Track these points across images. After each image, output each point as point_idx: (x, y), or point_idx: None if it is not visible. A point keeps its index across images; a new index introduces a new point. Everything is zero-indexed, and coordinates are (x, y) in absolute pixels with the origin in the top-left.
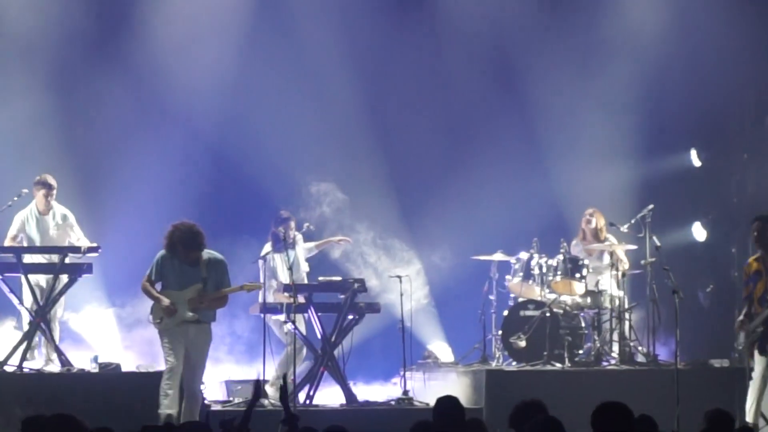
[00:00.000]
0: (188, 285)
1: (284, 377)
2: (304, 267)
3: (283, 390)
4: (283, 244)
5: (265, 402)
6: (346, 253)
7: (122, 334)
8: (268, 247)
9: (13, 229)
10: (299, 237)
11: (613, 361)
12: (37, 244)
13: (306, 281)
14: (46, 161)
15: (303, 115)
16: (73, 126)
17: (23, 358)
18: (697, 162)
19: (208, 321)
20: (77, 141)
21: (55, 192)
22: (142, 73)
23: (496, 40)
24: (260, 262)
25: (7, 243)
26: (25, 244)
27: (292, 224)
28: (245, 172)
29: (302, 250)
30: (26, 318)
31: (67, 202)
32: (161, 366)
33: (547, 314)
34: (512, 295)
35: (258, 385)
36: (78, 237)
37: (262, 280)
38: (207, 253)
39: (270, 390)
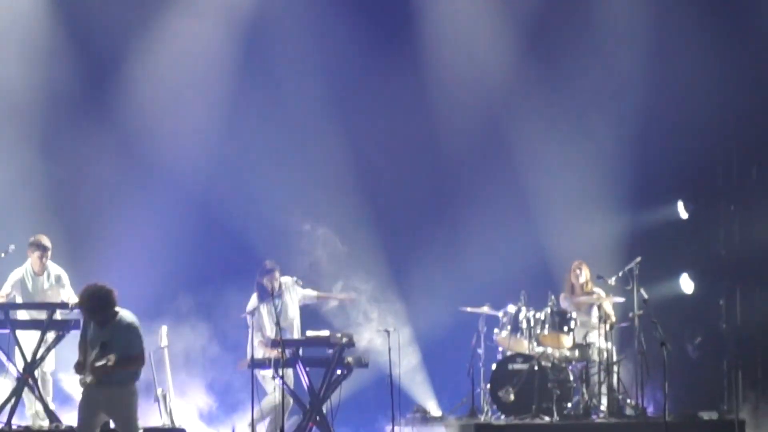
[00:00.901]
0: (95, 347)
1: None
2: (294, 315)
3: None
4: (269, 295)
5: None
6: (334, 306)
7: None
8: (254, 300)
9: (7, 287)
10: (289, 282)
11: (602, 415)
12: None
13: (296, 328)
14: (34, 220)
15: (290, 167)
16: (62, 184)
17: (11, 415)
18: (684, 214)
19: (125, 383)
20: (65, 199)
21: (49, 253)
22: (129, 130)
23: (483, 92)
24: (247, 316)
25: None
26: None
27: (277, 274)
28: (234, 224)
29: (291, 299)
30: (14, 374)
31: (56, 259)
32: (150, 422)
33: (536, 368)
34: (500, 349)
35: None
36: (69, 296)
37: (250, 335)
38: (123, 314)
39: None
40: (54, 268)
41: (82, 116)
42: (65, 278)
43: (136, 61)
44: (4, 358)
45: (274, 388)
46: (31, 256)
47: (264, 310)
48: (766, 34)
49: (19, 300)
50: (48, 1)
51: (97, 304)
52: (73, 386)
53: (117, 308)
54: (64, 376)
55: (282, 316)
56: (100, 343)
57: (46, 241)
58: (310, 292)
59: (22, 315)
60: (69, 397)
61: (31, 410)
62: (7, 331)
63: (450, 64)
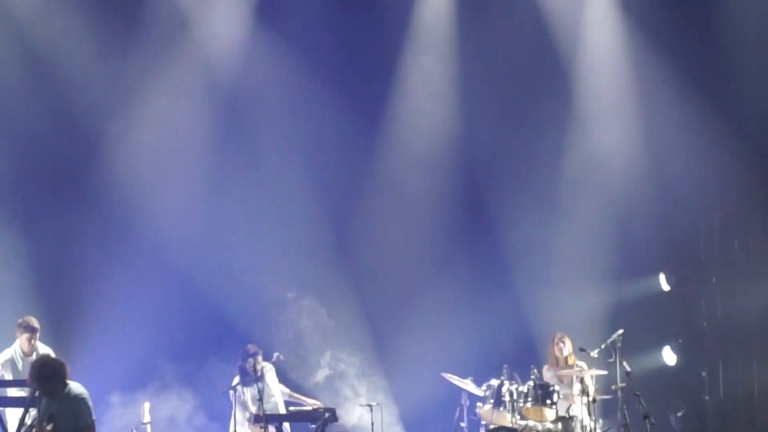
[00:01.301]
0: (44, 419)
1: None
2: (277, 396)
3: None
4: (251, 377)
5: None
6: (316, 380)
7: None
8: (237, 380)
9: None
10: (269, 367)
11: None
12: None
13: (280, 407)
14: (18, 300)
15: (272, 241)
16: (44, 263)
17: None
18: (666, 286)
19: None
20: (49, 278)
21: (38, 334)
22: (111, 208)
23: (464, 163)
24: (230, 392)
25: None
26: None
27: (259, 358)
28: (217, 297)
29: (273, 379)
30: None
31: (41, 338)
32: None
33: None
34: (483, 422)
35: None
36: None
37: (233, 411)
38: (72, 386)
39: None
40: (42, 348)
41: (64, 196)
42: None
43: (117, 139)
44: None
45: None
46: (20, 337)
47: (247, 392)
48: (747, 106)
49: (8, 378)
50: (27, 75)
51: (47, 375)
52: None
53: (67, 381)
54: None
55: (264, 399)
56: (48, 416)
57: (35, 322)
58: (284, 389)
59: (12, 392)
60: None
61: None
62: None
63: (432, 136)
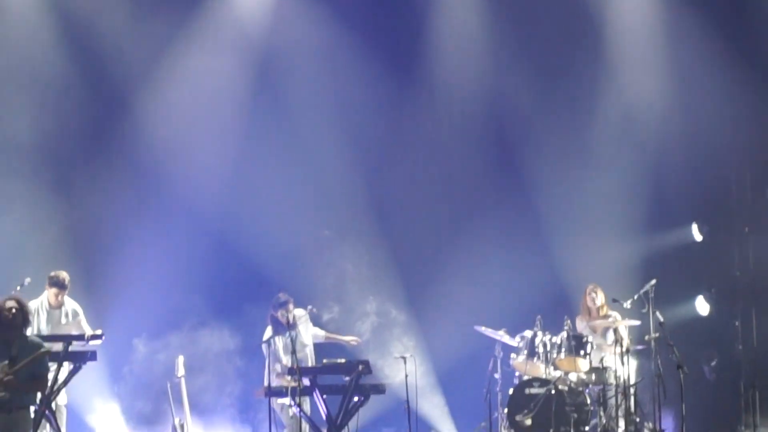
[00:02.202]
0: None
1: None
2: (308, 345)
3: None
4: (283, 327)
5: None
6: (350, 333)
7: (127, 421)
8: (269, 332)
9: None
10: (302, 314)
11: None
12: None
13: (310, 358)
14: (51, 256)
15: (302, 192)
16: (77, 220)
17: None
18: (698, 236)
19: (24, 406)
20: (81, 235)
21: (67, 291)
22: (143, 164)
23: (496, 117)
24: (263, 346)
25: None
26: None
27: (291, 306)
28: (250, 252)
29: (305, 329)
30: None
31: (73, 294)
32: None
33: (553, 392)
34: (517, 374)
35: None
36: (84, 330)
37: (267, 364)
38: (31, 336)
39: None
40: (70, 303)
41: (96, 153)
42: (81, 312)
43: (148, 96)
44: None
45: (291, 416)
46: (48, 291)
47: (279, 341)
48: None
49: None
50: (60, 40)
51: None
52: (87, 414)
53: (27, 328)
54: (76, 403)
55: (297, 348)
56: (10, 357)
57: (65, 278)
58: (319, 332)
59: None
60: (90, 429)
61: None
62: None
63: (463, 90)
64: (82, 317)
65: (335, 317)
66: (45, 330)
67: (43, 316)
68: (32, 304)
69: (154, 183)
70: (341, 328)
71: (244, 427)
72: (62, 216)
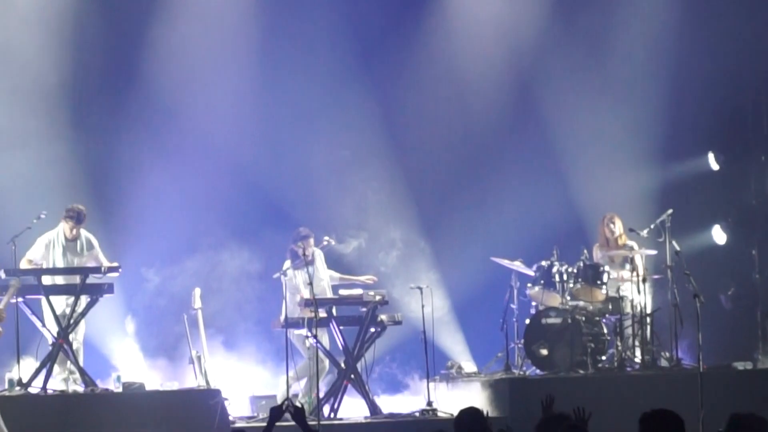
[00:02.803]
0: None
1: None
2: (326, 280)
3: (297, 409)
4: (301, 261)
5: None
6: (367, 263)
7: (144, 353)
8: (288, 264)
9: (35, 253)
10: (318, 253)
11: (636, 367)
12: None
13: (328, 291)
14: (68, 189)
15: (319, 126)
16: (92, 154)
17: (47, 380)
18: (715, 165)
19: None
20: (95, 165)
21: (84, 221)
22: (160, 95)
23: (511, 47)
24: (282, 277)
25: (22, 263)
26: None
27: (311, 241)
28: (268, 184)
29: (322, 264)
30: (49, 339)
31: (90, 225)
32: (186, 383)
33: (569, 321)
34: (534, 303)
35: (275, 412)
36: (101, 261)
37: (284, 296)
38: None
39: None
40: (85, 235)
41: (114, 88)
42: (96, 244)
43: (164, 25)
44: (38, 324)
45: (309, 347)
46: (65, 224)
47: (297, 274)
48: None
49: (45, 264)
50: None
51: None
52: (105, 347)
53: None
54: (93, 336)
55: (315, 282)
56: None
57: (82, 210)
58: (334, 274)
59: (47, 280)
60: (107, 362)
61: (62, 375)
62: (39, 296)
63: (478, 22)
64: (98, 249)
65: (362, 245)
66: (61, 263)
67: (59, 249)
68: (47, 236)
69: (171, 115)
70: (362, 257)
71: (261, 357)
72: (79, 151)
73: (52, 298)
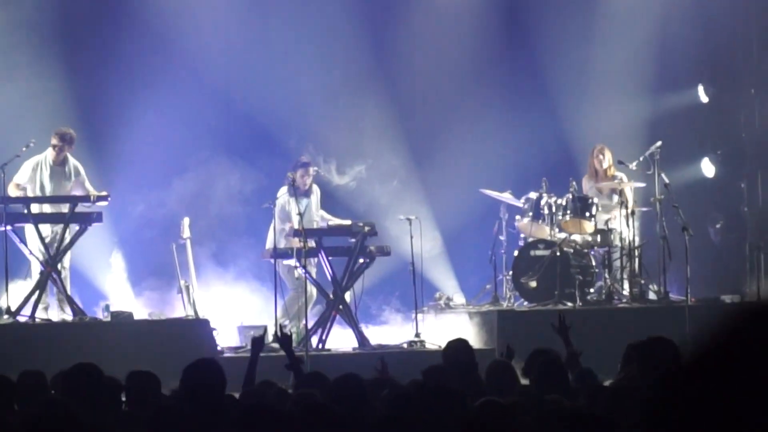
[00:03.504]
0: None
1: (281, 326)
2: (316, 218)
3: (285, 337)
4: (300, 190)
5: (277, 346)
6: (355, 194)
7: (132, 283)
8: (283, 191)
9: (22, 176)
10: (315, 189)
11: (624, 300)
12: (49, 193)
13: (316, 224)
14: (54, 119)
15: (309, 57)
16: (81, 78)
17: (35, 308)
18: (704, 98)
19: None
20: (84, 92)
21: (73, 145)
22: (150, 24)
23: None
24: (270, 206)
25: (10, 189)
26: (35, 192)
27: (310, 170)
28: (255, 119)
29: (316, 202)
30: (36, 268)
31: (76, 152)
32: (174, 313)
33: (558, 253)
34: (522, 236)
35: (257, 340)
36: (88, 190)
37: (272, 225)
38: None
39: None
40: (72, 161)
41: (102, 14)
42: (83, 171)
43: None
44: (26, 252)
45: (297, 278)
46: (55, 145)
47: (293, 203)
48: None
49: (36, 191)
50: None
51: None
52: (92, 276)
53: None
54: (81, 264)
55: (306, 215)
56: None
57: (70, 132)
58: (325, 215)
59: (35, 208)
60: (95, 291)
61: (42, 304)
62: (28, 224)
63: None
64: (84, 176)
65: (362, 174)
66: (48, 186)
67: (46, 172)
68: (35, 159)
69: (161, 44)
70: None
71: (250, 286)
72: (67, 81)
73: (30, 226)
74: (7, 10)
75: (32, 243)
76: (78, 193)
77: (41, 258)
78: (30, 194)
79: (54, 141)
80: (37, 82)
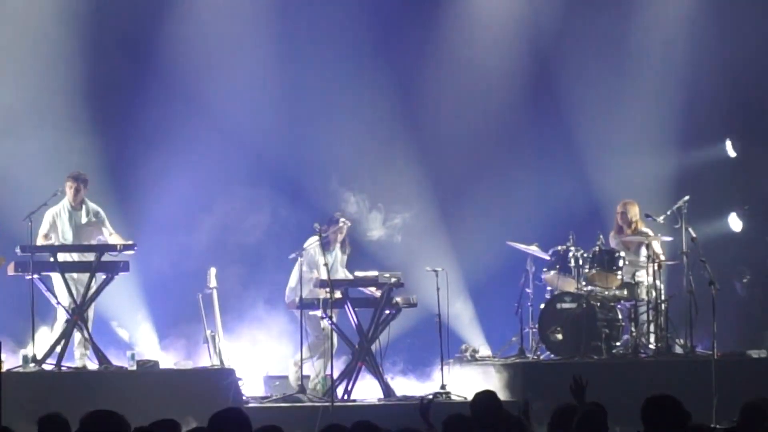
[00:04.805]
0: None
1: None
2: (340, 273)
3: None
4: (330, 245)
5: (303, 398)
6: (382, 246)
7: (158, 332)
8: (312, 240)
9: (45, 227)
10: (342, 252)
11: (650, 353)
12: (69, 237)
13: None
14: (80, 162)
15: (338, 113)
16: (108, 125)
17: (61, 357)
18: (732, 152)
19: None
20: (111, 141)
21: (86, 185)
22: (180, 72)
23: (529, 34)
24: (297, 256)
25: (39, 241)
26: (58, 239)
27: (344, 229)
28: (282, 172)
29: (342, 261)
30: (62, 316)
31: (102, 200)
32: (200, 363)
33: (584, 306)
34: (549, 288)
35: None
36: (111, 232)
37: (297, 276)
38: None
39: (308, 383)
40: (91, 205)
41: (132, 54)
42: (103, 214)
43: (182, 9)
44: (53, 301)
45: (323, 329)
46: (68, 190)
47: (320, 256)
48: None
49: (57, 237)
50: None
51: None
52: (118, 325)
53: None
54: (107, 314)
55: (333, 270)
56: None
57: (83, 174)
58: (348, 274)
59: (66, 257)
60: (121, 341)
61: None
62: (54, 272)
63: (497, 9)
64: (104, 217)
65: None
66: (68, 231)
67: (65, 216)
68: (54, 209)
69: (191, 87)
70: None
71: (276, 337)
72: (94, 135)
73: (56, 274)
74: (33, 58)
75: (59, 291)
76: (100, 235)
77: (68, 306)
78: (54, 243)
79: (69, 183)
80: (63, 135)
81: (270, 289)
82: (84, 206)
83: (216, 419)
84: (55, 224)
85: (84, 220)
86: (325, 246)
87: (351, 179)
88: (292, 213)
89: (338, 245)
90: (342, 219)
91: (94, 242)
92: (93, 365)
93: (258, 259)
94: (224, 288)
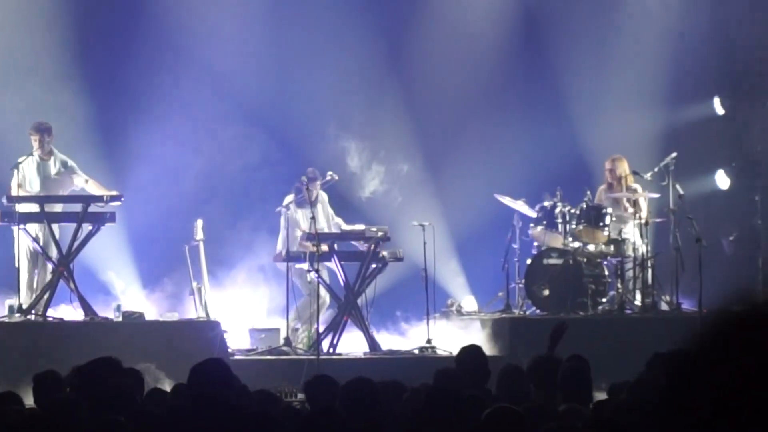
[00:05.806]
0: None
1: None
2: (326, 228)
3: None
4: (303, 198)
5: (289, 351)
6: (369, 200)
7: (144, 283)
8: (290, 198)
9: (16, 177)
10: (323, 197)
11: (636, 310)
12: (37, 187)
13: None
14: (66, 114)
15: (326, 61)
16: (96, 80)
17: (47, 307)
18: (720, 110)
19: None
20: (100, 93)
21: (51, 135)
22: (168, 26)
23: None
24: (282, 210)
25: (14, 191)
26: (25, 189)
27: (317, 184)
28: (271, 123)
29: (326, 209)
30: (24, 267)
31: (91, 152)
32: (186, 315)
33: (571, 262)
34: (535, 244)
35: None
36: (86, 179)
37: (284, 230)
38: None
39: (294, 337)
40: (60, 155)
41: (114, 11)
42: (72, 163)
43: None
44: (39, 250)
45: (309, 282)
46: (33, 142)
47: (299, 212)
48: None
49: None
50: None
51: None
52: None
53: None
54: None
55: (317, 223)
56: None
57: (44, 122)
58: (339, 221)
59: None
60: (108, 290)
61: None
62: (41, 223)
63: None
64: (75, 167)
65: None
66: (36, 181)
67: (33, 166)
68: (24, 160)
69: (179, 40)
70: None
71: (259, 289)
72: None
73: (30, 225)
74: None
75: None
76: (74, 187)
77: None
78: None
79: (32, 136)
80: (54, 86)
81: (258, 242)
82: (53, 157)
83: (196, 371)
84: (25, 175)
85: (53, 170)
86: (305, 203)
87: (340, 131)
88: (281, 169)
89: (318, 197)
90: (330, 173)
91: (67, 194)
92: (79, 316)
93: (246, 211)
94: (211, 237)
